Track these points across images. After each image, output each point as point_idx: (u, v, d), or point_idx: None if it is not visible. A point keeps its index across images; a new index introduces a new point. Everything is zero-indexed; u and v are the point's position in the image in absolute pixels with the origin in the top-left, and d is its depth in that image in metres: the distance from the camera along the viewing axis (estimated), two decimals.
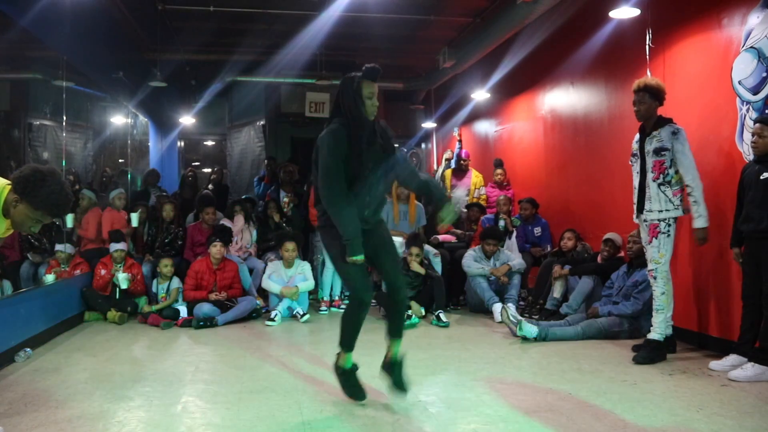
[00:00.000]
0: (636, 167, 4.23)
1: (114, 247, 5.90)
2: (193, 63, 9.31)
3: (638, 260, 4.72)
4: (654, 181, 4.06)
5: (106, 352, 4.55)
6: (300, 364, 4.14)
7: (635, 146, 4.25)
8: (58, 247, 5.48)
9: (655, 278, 4.05)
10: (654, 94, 4.09)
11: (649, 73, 4.90)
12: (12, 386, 3.64)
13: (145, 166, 9.14)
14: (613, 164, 5.46)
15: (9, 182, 2.55)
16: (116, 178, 7.50)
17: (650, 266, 4.08)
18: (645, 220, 4.14)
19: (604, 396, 3.34)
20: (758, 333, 3.69)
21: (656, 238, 4.04)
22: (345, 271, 3.17)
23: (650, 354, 4.03)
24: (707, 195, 4.33)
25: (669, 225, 4.03)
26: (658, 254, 4.03)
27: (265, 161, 9.05)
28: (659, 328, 4.06)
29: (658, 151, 4.04)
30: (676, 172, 4.03)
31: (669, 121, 4.11)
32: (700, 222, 3.98)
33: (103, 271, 5.87)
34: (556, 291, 5.57)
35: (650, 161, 4.08)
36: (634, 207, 4.24)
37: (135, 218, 6.44)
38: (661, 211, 4.03)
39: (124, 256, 5.95)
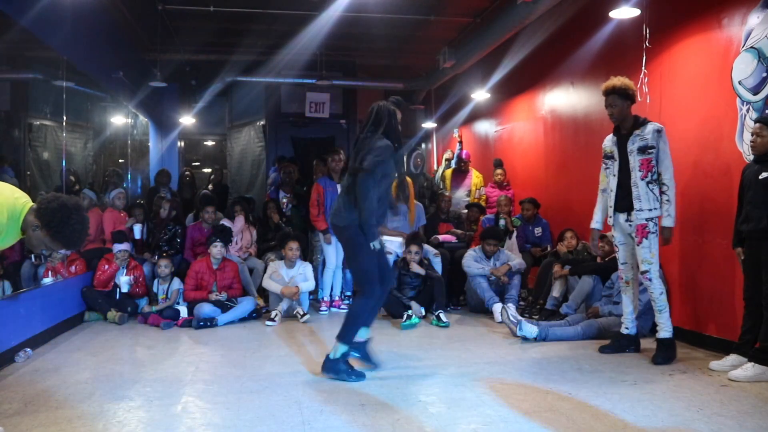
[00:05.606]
0: (613, 169, 4.22)
1: (117, 247, 5.90)
2: (193, 63, 9.32)
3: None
4: (642, 179, 4.05)
5: (106, 352, 4.56)
6: (300, 364, 4.13)
7: (610, 147, 4.24)
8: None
9: (650, 279, 4.05)
10: (623, 95, 4.09)
11: (644, 71, 4.92)
12: (12, 386, 3.64)
13: (145, 166, 9.13)
14: None
15: (31, 202, 2.65)
16: (116, 179, 7.50)
17: (643, 267, 4.07)
18: (630, 221, 4.11)
19: (604, 396, 3.34)
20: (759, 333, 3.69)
21: (646, 239, 4.04)
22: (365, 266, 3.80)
23: (667, 353, 4.05)
24: (707, 195, 4.34)
25: (656, 224, 4.06)
26: (650, 254, 4.04)
27: (275, 161, 9.05)
28: (666, 325, 4.07)
29: (643, 150, 4.05)
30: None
31: (647, 120, 4.13)
32: (668, 221, 4.03)
33: (106, 266, 5.87)
34: (556, 291, 5.57)
35: (635, 160, 4.07)
36: (611, 210, 4.22)
37: (138, 230, 6.50)
38: (651, 209, 4.04)
39: (128, 257, 5.96)
